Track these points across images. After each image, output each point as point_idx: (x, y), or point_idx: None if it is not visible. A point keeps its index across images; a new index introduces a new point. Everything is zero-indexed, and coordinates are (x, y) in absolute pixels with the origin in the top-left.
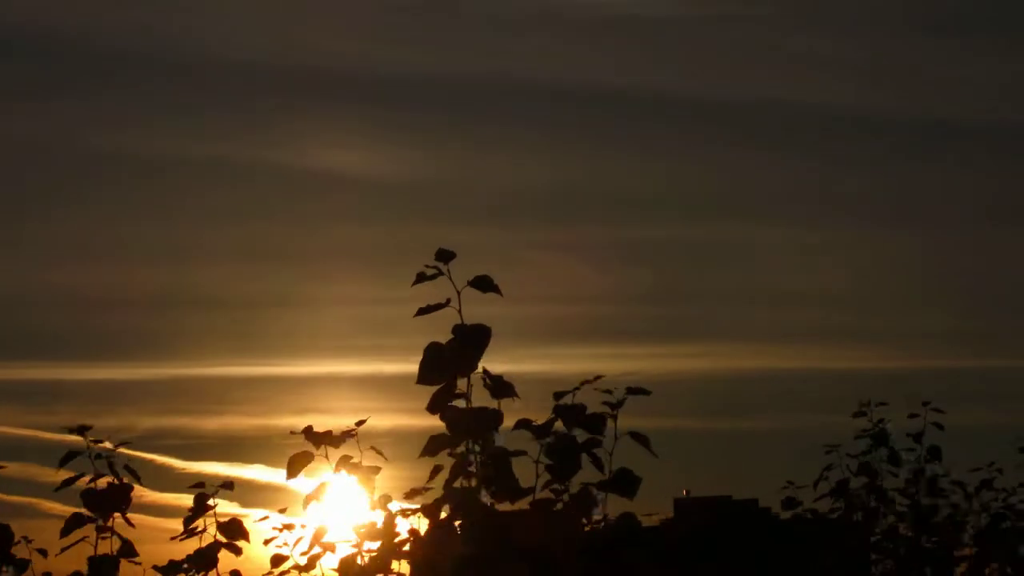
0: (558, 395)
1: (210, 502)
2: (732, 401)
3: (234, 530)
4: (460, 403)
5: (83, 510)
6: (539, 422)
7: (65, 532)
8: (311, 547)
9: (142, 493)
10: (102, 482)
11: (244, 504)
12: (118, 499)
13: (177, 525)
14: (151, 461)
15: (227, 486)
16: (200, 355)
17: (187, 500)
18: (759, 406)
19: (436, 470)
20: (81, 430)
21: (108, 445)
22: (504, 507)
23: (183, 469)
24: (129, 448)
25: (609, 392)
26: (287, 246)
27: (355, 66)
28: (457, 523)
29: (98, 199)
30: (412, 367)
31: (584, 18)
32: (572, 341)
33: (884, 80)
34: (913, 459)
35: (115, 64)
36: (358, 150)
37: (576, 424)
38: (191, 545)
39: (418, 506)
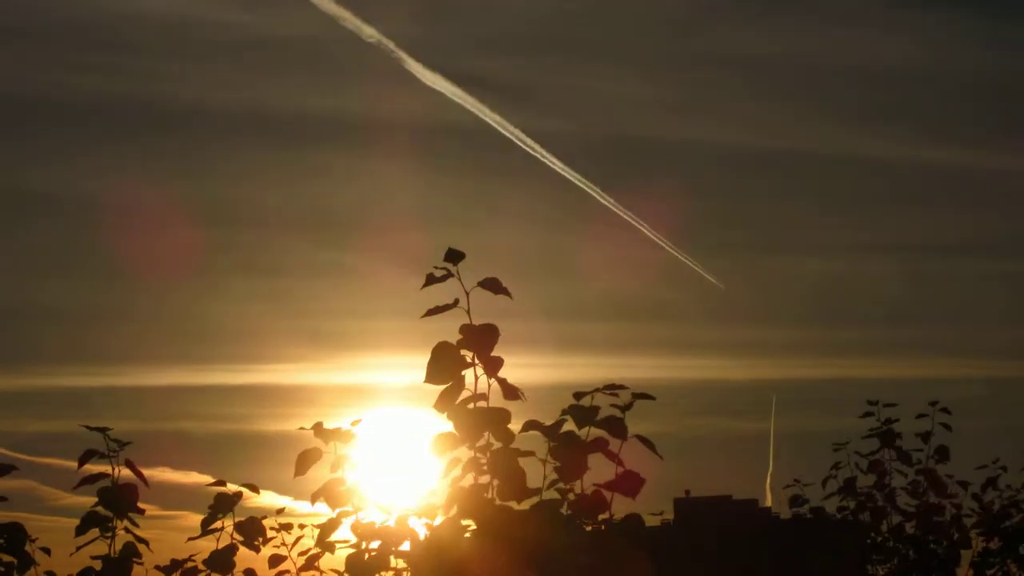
0: (578, 395)
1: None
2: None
3: (252, 530)
4: (482, 404)
5: (99, 508)
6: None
7: (80, 531)
8: (318, 543)
9: (61, 496)
10: (125, 476)
11: (164, 506)
12: (132, 498)
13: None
14: (47, 464)
15: (252, 488)
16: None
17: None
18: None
19: (453, 463)
20: (102, 431)
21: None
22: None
23: (87, 470)
24: (26, 453)
25: (616, 394)
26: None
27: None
28: (463, 522)
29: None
30: (227, 376)
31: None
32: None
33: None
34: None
35: None
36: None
37: (595, 426)
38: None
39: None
